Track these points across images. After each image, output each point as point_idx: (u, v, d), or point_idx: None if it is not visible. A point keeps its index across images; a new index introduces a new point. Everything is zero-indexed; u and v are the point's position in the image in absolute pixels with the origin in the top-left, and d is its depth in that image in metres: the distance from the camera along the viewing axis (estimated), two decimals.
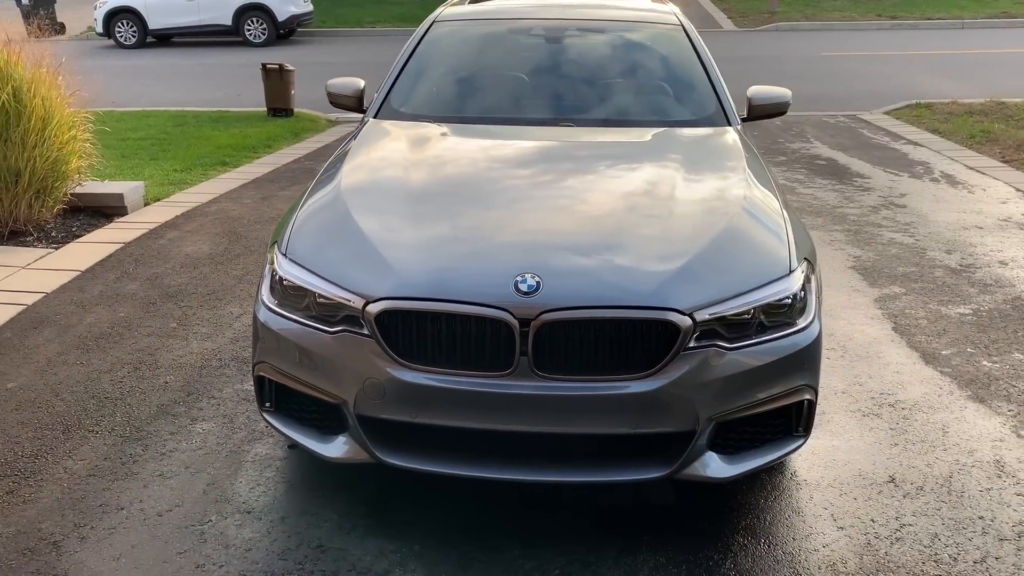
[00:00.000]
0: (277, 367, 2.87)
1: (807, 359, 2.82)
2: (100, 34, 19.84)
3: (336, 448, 2.83)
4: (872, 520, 2.96)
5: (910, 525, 2.93)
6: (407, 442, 2.79)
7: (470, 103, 4.22)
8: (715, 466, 2.78)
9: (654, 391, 2.63)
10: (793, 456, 3.29)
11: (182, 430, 3.45)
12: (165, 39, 19.96)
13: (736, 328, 2.72)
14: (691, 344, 2.65)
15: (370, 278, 2.74)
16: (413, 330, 2.66)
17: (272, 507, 2.98)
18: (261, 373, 2.93)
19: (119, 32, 19.32)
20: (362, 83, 4.31)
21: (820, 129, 9.85)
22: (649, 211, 3.03)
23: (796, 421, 2.91)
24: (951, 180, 7.37)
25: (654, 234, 2.89)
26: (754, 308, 2.74)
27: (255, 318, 2.94)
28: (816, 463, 3.27)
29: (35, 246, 5.46)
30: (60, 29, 22.84)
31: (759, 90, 4.16)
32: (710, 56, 4.31)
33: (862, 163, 8.11)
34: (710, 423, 2.71)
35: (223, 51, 18.40)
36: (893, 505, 3.03)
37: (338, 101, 4.31)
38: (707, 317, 2.66)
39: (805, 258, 2.97)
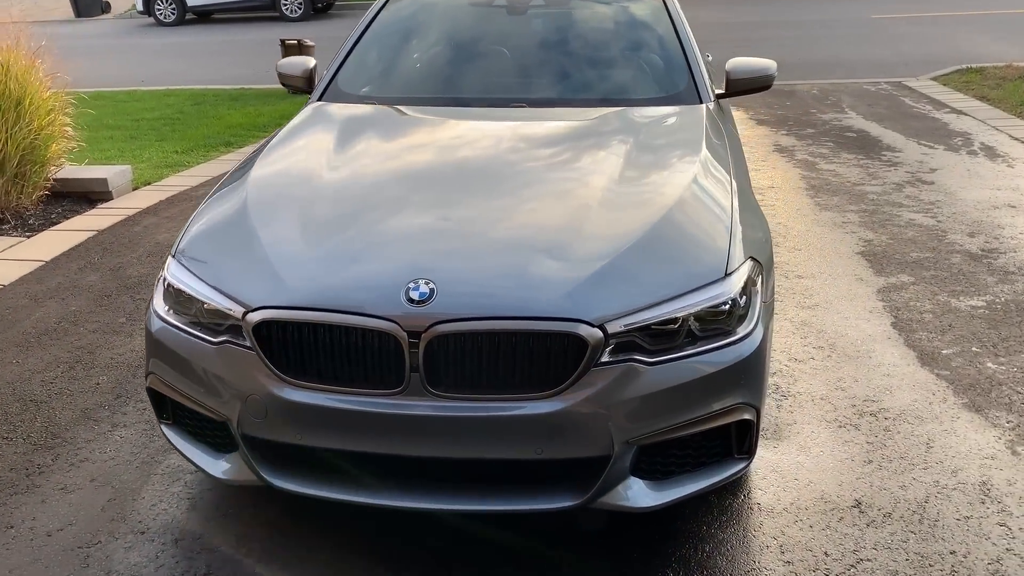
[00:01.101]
0: (164, 379, 2.64)
1: (745, 374, 2.48)
2: (140, 12, 19.96)
3: (224, 468, 2.60)
4: (826, 553, 2.61)
5: (868, 560, 2.58)
6: (298, 463, 2.54)
7: (421, 83, 3.91)
8: (639, 494, 2.48)
9: (560, 413, 2.32)
10: (752, 474, 2.96)
11: (99, 437, 3.26)
12: (205, 16, 19.98)
13: (661, 339, 2.40)
14: (604, 359, 2.33)
15: (253, 285, 2.49)
16: (297, 344, 2.39)
17: (168, 528, 2.77)
18: (151, 385, 2.71)
19: (159, 10, 19.39)
20: (312, 63, 4.04)
21: (858, 98, 9.27)
22: (573, 208, 2.70)
23: (737, 443, 2.58)
24: (991, 153, 6.81)
25: (571, 234, 2.57)
26: (682, 316, 2.41)
27: (146, 326, 2.72)
28: (775, 483, 2.93)
29: (9, 234, 5.35)
30: (106, 8, 23.07)
31: (739, 63, 3.77)
32: (688, 29, 3.92)
33: (895, 135, 7.57)
34: (629, 447, 2.40)
35: (259, 26, 18.33)
36: (853, 535, 2.68)
37: (288, 83, 4.06)
38: (621, 328, 2.35)
39: (751, 257, 2.62)
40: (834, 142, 7.40)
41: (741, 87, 3.75)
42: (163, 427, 2.76)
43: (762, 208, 5.76)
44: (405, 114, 3.54)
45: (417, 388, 2.34)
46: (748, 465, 2.61)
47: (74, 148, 6.18)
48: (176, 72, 13.29)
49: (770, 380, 3.54)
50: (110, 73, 13.14)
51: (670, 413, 2.41)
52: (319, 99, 3.79)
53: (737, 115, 8.55)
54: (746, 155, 7.31)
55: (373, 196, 2.82)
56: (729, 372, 2.44)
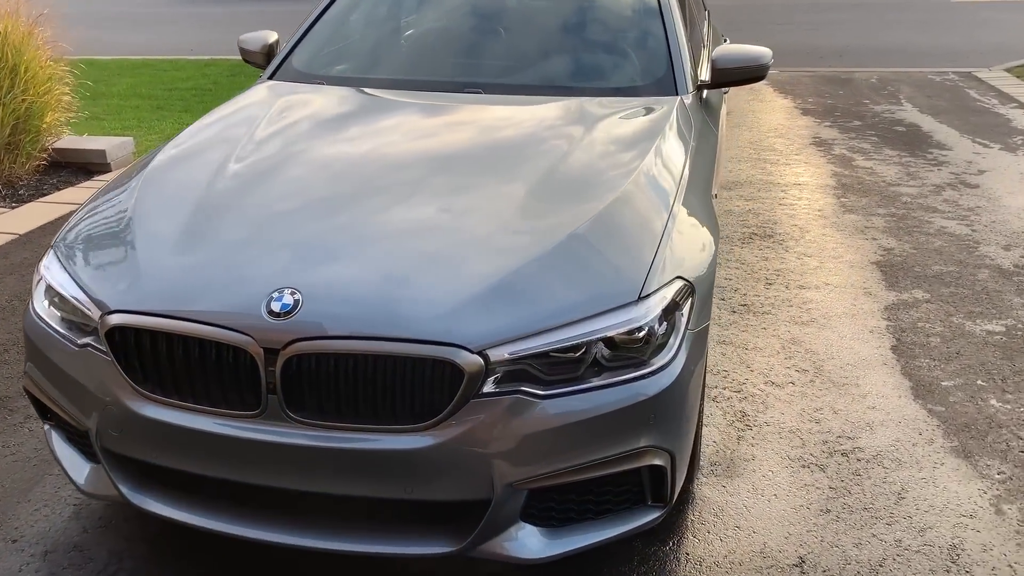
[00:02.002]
0: (36, 380, 2.44)
1: (657, 412, 2.15)
2: None
3: (88, 479, 2.40)
4: None
5: None
6: (160, 481, 2.31)
7: (376, 64, 3.62)
8: (529, 542, 2.18)
9: (430, 449, 2.04)
10: (691, 515, 2.63)
11: (8, 429, 3.10)
12: None
13: (560, 368, 2.09)
14: (487, 390, 2.04)
15: (115, 285, 2.26)
16: (152, 354, 2.16)
17: (43, 537, 2.58)
18: (25, 385, 2.52)
19: None
20: (273, 37, 3.79)
21: (918, 88, 8.64)
22: (479, 217, 2.39)
23: (651, 489, 2.26)
24: None
25: (467, 247, 2.26)
26: (585, 343, 2.09)
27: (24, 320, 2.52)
28: (714, 529, 2.59)
29: None
30: None
31: (727, 51, 3.37)
32: (677, 13, 3.52)
33: (949, 131, 6.98)
34: (513, 491, 2.10)
35: None
36: None
37: (248, 59, 3.81)
38: (507, 356, 2.04)
39: (680, 277, 2.28)
40: (879, 136, 6.86)
41: (729, 77, 3.35)
42: (46, 427, 2.57)
43: (781, 208, 5.39)
44: (346, 99, 3.25)
45: (276, 412, 2.08)
46: (662, 515, 2.29)
47: (72, 118, 6.08)
48: (227, 42, 13.25)
49: (738, 407, 3.19)
50: (167, 42, 13.18)
51: (564, 454, 2.10)
52: (270, 78, 3.54)
53: (782, 103, 8.05)
54: (780, 148, 6.91)
55: (266, 192, 2.54)
56: (636, 410, 2.12)
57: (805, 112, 7.74)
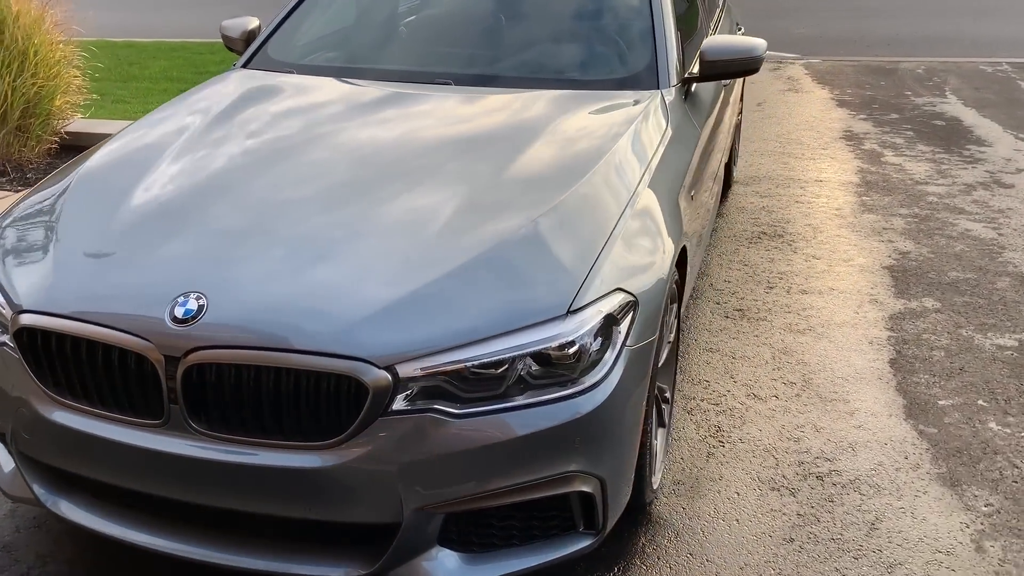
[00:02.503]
0: None
1: (585, 435, 2.00)
2: None
3: (6, 479, 2.33)
4: None
5: None
6: (73, 485, 2.23)
7: (350, 53, 3.48)
8: (446, 568, 2.04)
9: (333, 469, 1.92)
10: (643, 539, 2.47)
11: None
12: None
13: (480, 386, 1.95)
14: (397, 407, 1.91)
15: (30, 283, 2.18)
16: (60, 356, 2.07)
17: None
18: None
19: None
20: (254, 23, 3.68)
21: (967, 80, 8.22)
22: (408, 221, 2.25)
23: (583, 516, 2.11)
24: None
25: (389, 255, 2.12)
26: (507, 359, 1.95)
27: None
28: (664, 557, 2.43)
29: (1, 187, 5.29)
30: None
31: (717, 42, 3.16)
32: (667, 4, 3.30)
33: (992, 125, 6.62)
34: (427, 515, 1.97)
35: None
36: None
37: (230, 45, 3.71)
38: (418, 372, 1.91)
39: (621, 290, 2.11)
40: (915, 131, 6.53)
41: (717, 70, 3.14)
42: None
43: (797, 206, 5.13)
44: (307, 90, 3.12)
45: (180, 422, 1.98)
46: (595, 543, 2.14)
47: (96, 100, 6.08)
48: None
49: (713, 420, 3.01)
50: (212, 24, 13.25)
51: (480, 478, 1.97)
52: (243, 65, 3.43)
53: (819, 94, 7.72)
54: (808, 142, 6.62)
55: (193, 193, 2.42)
56: (560, 432, 1.97)
57: (841, 104, 7.42)
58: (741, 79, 5.28)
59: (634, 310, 2.13)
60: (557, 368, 2.00)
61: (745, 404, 3.11)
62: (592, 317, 2.03)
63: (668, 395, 2.82)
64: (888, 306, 3.80)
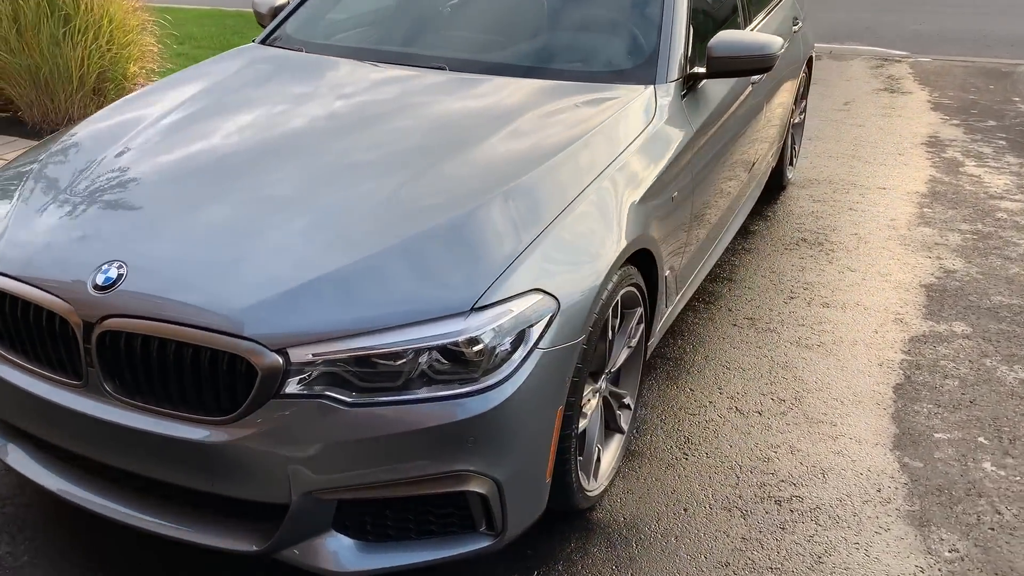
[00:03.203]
0: None
1: (480, 435, 1.96)
2: None
3: None
4: None
5: None
6: (22, 436, 2.35)
7: (357, 33, 3.47)
8: (339, 554, 2.05)
9: (226, 445, 1.95)
10: (572, 545, 2.42)
11: None
12: None
13: (379, 377, 1.94)
14: (291, 390, 1.92)
15: None
16: (1, 311, 2.19)
17: None
18: None
19: None
20: (281, 0, 3.75)
21: None
22: (337, 206, 2.24)
23: (483, 516, 2.08)
24: None
25: (306, 237, 2.12)
26: (405, 351, 1.93)
27: None
28: (589, 567, 2.36)
29: None
30: None
31: (726, 37, 3.00)
32: None
33: None
34: (315, 500, 1.98)
35: None
36: None
37: (260, 21, 3.79)
38: (309, 358, 1.91)
39: (540, 290, 2.06)
40: (1009, 141, 6.08)
41: (726, 67, 2.99)
42: None
43: (849, 213, 4.85)
44: (303, 69, 3.15)
45: (97, 385, 2.06)
46: (496, 545, 2.10)
47: (160, 69, 6.33)
48: None
49: (686, 431, 2.90)
50: None
51: (369, 468, 1.96)
52: (262, 41, 3.50)
53: (916, 95, 7.29)
54: (884, 145, 6.25)
55: (152, 163, 2.48)
56: (453, 430, 1.94)
57: (936, 107, 6.98)
58: (806, 76, 5.05)
59: (554, 312, 2.07)
60: (461, 365, 1.96)
61: (724, 417, 2.98)
62: (500, 315, 1.98)
63: (628, 401, 2.74)
64: (912, 327, 3.56)
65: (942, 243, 4.36)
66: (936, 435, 2.89)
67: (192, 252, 2.10)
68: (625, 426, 2.72)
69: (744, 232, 4.47)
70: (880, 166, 5.50)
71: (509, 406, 1.97)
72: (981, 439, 2.88)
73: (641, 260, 2.59)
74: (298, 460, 1.94)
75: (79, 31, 5.47)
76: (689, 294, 3.31)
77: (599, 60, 3.08)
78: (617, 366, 2.62)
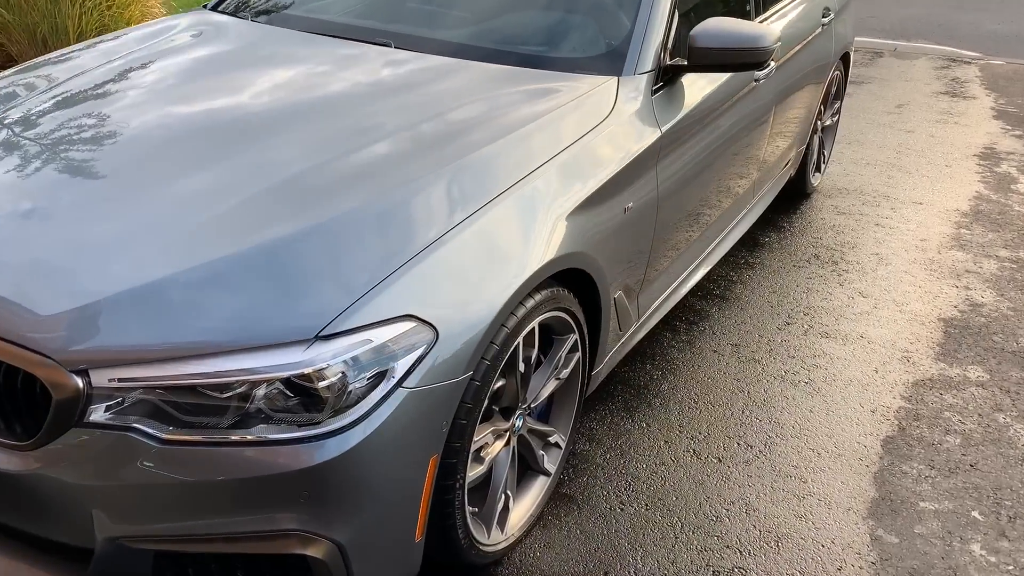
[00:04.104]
0: None
1: (315, 489, 1.64)
2: None
3: None
4: None
5: None
6: None
7: (309, 2, 3.13)
8: None
9: (20, 475, 1.66)
10: None
11: None
12: None
13: (203, 409, 1.63)
14: (97, 418, 1.62)
15: None
16: None
17: None
18: None
19: None
20: None
21: None
22: (203, 200, 1.91)
23: None
24: None
25: (156, 237, 1.81)
26: (234, 382, 1.62)
27: None
28: None
29: None
30: None
31: (709, 27, 2.58)
32: None
33: None
34: (130, 549, 1.68)
35: None
36: None
37: None
38: (114, 384, 1.61)
39: (413, 317, 1.72)
40: None
41: (709, 60, 2.57)
42: None
43: (875, 229, 4.36)
44: (233, 38, 2.83)
45: None
46: None
47: None
48: None
49: (630, 474, 2.54)
50: None
51: (181, 519, 1.65)
52: (212, 7, 3.20)
53: (980, 102, 6.68)
54: (932, 155, 5.70)
55: (13, 144, 2.21)
56: (283, 482, 1.62)
57: (1000, 115, 6.38)
58: (841, 74, 4.57)
59: (429, 344, 1.73)
60: (307, 403, 1.64)
61: (679, 461, 2.61)
62: (354, 346, 1.65)
63: (558, 439, 2.39)
64: (920, 368, 3.12)
65: (974, 270, 3.87)
66: (922, 504, 2.47)
67: (23, 252, 1.80)
68: (552, 467, 2.37)
69: (752, 243, 4.05)
70: (921, 178, 4.99)
71: (357, 455, 1.64)
72: (975, 513, 2.45)
73: (581, 278, 2.24)
74: (101, 502, 1.65)
75: None
76: (662, 313, 2.93)
77: (564, 45, 2.70)
78: (540, 401, 2.27)
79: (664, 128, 2.53)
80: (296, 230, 1.82)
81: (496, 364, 1.91)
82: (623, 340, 2.68)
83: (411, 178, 1.98)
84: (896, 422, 2.82)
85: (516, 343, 1.99)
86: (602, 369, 2.58)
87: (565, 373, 2.31)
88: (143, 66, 2.65)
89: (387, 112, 2.27)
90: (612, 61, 2.55)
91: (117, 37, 2.96)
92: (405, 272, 1.76)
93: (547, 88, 2.41)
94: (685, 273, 3.05)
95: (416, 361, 1.72)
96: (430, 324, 1.74)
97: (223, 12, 3.11)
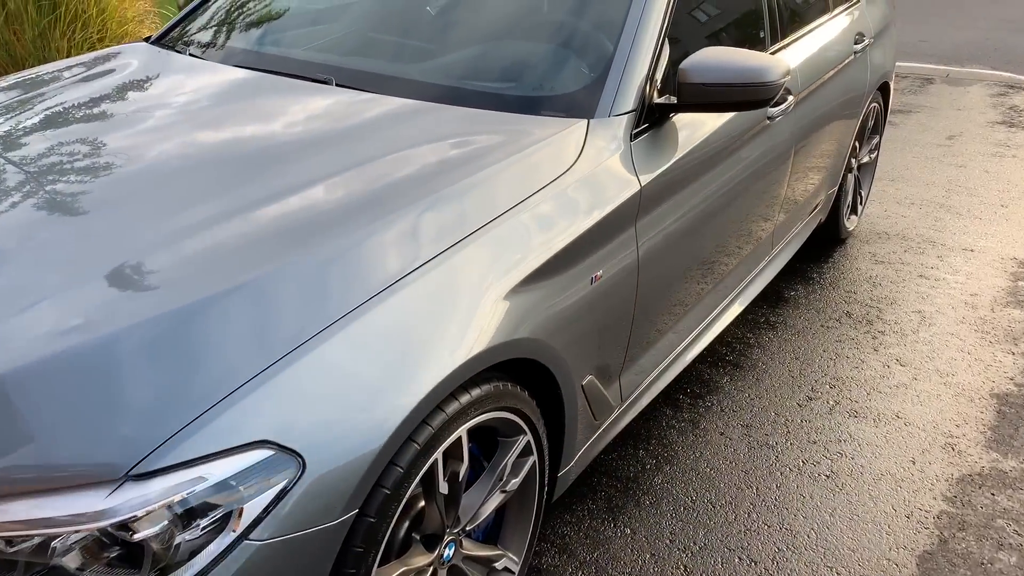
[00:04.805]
0: None
1: None
2: None
3: None
4: None
5: None
6: None
7: (251, 35, 2.74)
8: None
9: None
10: None
11: None
12: None
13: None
14: None
15: None
16: None
17: None
18: None
19: None
20: None
21: None
22: (41, 280, 1.54)
23: None
24: None
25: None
26: (17, 536, 1.23)
27: None
28: None
29: None
30: None
31: (703, 58, 2.14)
32: (657, 8, 2.30)
33: None
34: None
35: None
36: None
37: None
38: None
39: (269, 443, 1.31)
40: None
41: (704, 99, 2.14)
42: None
43: (918, 282, 3.88)
44: (159, 76, 2.47)
45: None
46: None
47: None
48: None
49: None
50: None
51: None
52: (155, 40, 2.86)
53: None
54: (986, 195, 5.16)
55: None
56: None
57: None
58: (880, 107, 4.09)
59: (291, 479, 1.32)
60: (124, 556, 1.25)
61: None
62: (181, 486, 1.25)
63: (509, 564, 1.95)
64: (968, 459, 2.62)
65: (999, 340, 3.35)
66: None
67: None
68: None
69: (775, 297, 3.57)
70: (974, 220, 4.46)
71: None
72: None
73: (534, 367, 1.82)
74: None
75: (65, 20, 5.03)
76: (656, 391, 2.49)
77: (528, 81, 2.28)
78: (482, 519, 1.84)
79: (646, 179, 2.10)
80: (139, 321, 1.42)
81: (399, 492, 1.49)
82: (602, 430, 2.24)
83: (288, 255, 1.58)
84: (936, 532, 2.33)
85: (432, 459, 1.57)
86: (573, 468, 2.15)
87: (515, 483, 1.88)
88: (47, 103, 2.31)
89: (302, 168, 1.87)
90: (583, 99, 2.13)
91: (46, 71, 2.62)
92: (264, 381, 1.35)
93: (495, 134, 2.00)
94: (686, 341, 2.60)
95: (273, 502, 1.31)
96: (293, 452, 1.33)
97: (164, 46, 2.77)
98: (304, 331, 1.42)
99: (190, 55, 2.62)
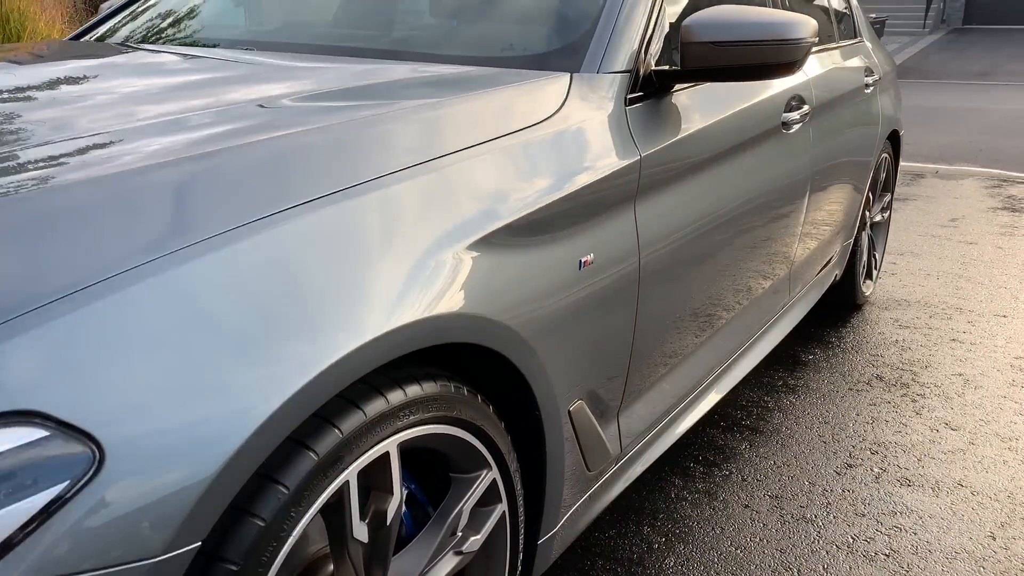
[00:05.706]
0: None
1: None
2: None
3: None
4: None
5: None
6: None
7: (192, 20, 2.36)
8: None
9: None
10: None
11: None
12: None
13: None
14: None
15: None
16: None
17: None
18: None
19: None
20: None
21: None
22: None
23: None
24: None
25: None
26: None
27: None
28: None
29: None
30: None
31: (712, 15, 1.72)
32: None
33: None
34: None
35: None
36: None
37: None
38: None
39: (44, 415, 0.77)
40: None
41: (713, 61, 1.71)
42: None
43: (952, 346, 3.50)
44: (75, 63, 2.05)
45: None
46: None
47: None
48: None
49: None
50: None
51: None
52: (74, 37, 2.44)
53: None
54: (1010, 267, 4.72)
55: None
56: None
57: None
58: (890, 159, 3.71)
59: (78, 477, 0.78)
60: None
61: None
62: None
63: None
64: (1001, 556, 2.06)
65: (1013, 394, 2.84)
66: None
67: None
68: None
69: (790, 361, 3.07)
70: (998, 288, 4.02)
71: None
72: None
73: (512, 374, 1.30)
74: None
75: None
76: (662, 448, 1.94)
77: (509, 42, 1.85)
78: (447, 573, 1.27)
79: (647, 151, 1.63)
80: None
81: (281, 526, 0.94)
82: (597, 486, 1.69)
83: (149, 165, 1.08)
84: None
85: (341, 481, 1.02)
86: (558, 534, 1.58)
87: (475, 541, 1.31)
88: None
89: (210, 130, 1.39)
90: (567, 56, 1.69)
91: None
92: (52, 317, 0.83)
93: (457, 85, 1.54)
94: (696, 390, 2.08)
95: (37, 517, 0.76)
96: (85, 436, 0.79)
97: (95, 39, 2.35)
98: (135, 254, 0.91)
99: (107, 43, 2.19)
